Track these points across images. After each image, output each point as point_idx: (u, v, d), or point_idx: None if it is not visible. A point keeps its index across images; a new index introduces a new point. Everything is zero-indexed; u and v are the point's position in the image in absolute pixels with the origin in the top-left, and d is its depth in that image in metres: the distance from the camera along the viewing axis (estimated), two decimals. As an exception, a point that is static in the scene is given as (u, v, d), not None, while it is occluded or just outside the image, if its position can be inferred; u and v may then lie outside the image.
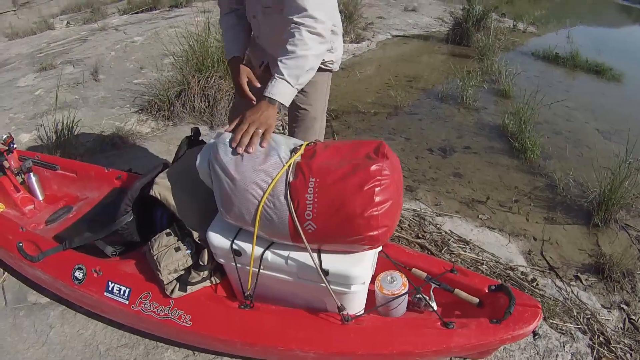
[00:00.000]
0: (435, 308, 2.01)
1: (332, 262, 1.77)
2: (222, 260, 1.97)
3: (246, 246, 1.85)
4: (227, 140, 1.81)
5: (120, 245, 2.37)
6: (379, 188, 1.63)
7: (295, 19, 1.93)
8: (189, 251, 2.04)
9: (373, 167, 1.65)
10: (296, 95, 2.10)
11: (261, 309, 2.01)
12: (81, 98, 4.81)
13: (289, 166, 1.72)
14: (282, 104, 1.97)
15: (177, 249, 2.03)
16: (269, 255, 1.83)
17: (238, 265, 1.93)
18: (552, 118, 5.35)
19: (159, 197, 2.07)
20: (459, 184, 4.18)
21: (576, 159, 4.73)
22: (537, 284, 3.02)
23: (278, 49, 2.04)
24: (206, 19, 4.83)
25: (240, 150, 1.77)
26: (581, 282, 3.13)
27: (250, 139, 1.80)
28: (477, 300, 2.02)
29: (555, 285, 3.04)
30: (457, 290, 2.05)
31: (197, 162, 1.88)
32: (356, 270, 1.77)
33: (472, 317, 1.96)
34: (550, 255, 3.37)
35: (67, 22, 8.06)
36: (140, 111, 4.57)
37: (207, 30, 4.71)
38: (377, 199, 1.63)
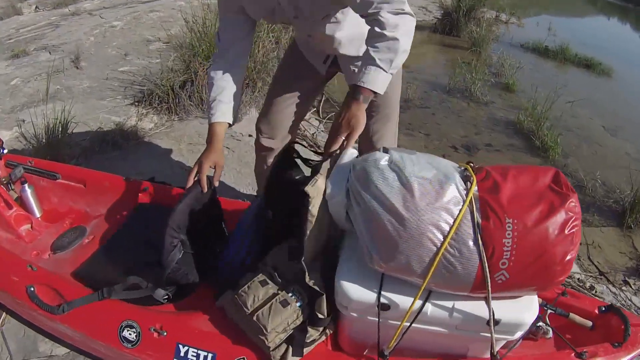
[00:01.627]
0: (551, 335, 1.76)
1: (502, 310, 1.40)
2: (353, 314, 1.48)
3: (398, 298, 1.41)
4: (384, 162, 1.39)
5: (172, 285, 1.74)
6: (577, 228, 1.32)
7: (372, 11, 1.67)
8: (299, 304, 1.52)
9: (569, 204, 1.32)
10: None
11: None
12: (64, 88, 4.00)
13: (470, 201, 1.32)
14: (375, 94, 1.67)
15: (285, 303, 1.50)
16: (428, 307, 1.41)
17: (380, 320, 1.46)
18: (558, 115, 5.01)
19: (309, 206, 1.46)
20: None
21: (592, 157, 4.62)
22: (596, 291, 2.87)
23: (344, 47, 1.97)
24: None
25: None
26: (630, 286, 3.00)
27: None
28: (590, 323, 1.80)
29: (610, 291, 2.91)
30: (572, 315, 1.79)
31: (328, 190, 1.46)
32: (528, 317, 1.44)
33: (583, 341, 1.77)
34: (597, 260, 3.22)
35: (36, 7, 7.13)
36: (137, 103, 3.79)
37: (211, 12, 3.96)
38: (576, 240, 1.32)
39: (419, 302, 1.39)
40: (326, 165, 1.62)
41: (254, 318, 1.46)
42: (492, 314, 1.37)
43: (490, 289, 1.32)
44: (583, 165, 4.30)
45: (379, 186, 1.33)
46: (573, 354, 1.67)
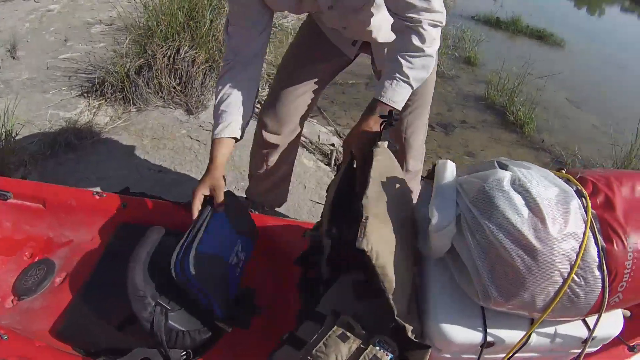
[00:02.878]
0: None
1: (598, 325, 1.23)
2: (447, 355, 1.24)
3: (503, 333, 1.20)
4: (507, 183, 1.10)
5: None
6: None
7: (412, 15, 1.50)
8: (390, 357, 1.15)
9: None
10: None
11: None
12: (1, 82, 3.35)
13: (591, 223, 1.10)
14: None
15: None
16: (533, 337, 1.20)
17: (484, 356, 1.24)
18: (524, 88, 4.80)
19: (372, 260, 1.10)
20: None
21: (563, 131, 4.54)
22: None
23: (383, 34, 1.75)
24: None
25: None
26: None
27: None
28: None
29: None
30: None
31: (434, 220, 1.12)
32: (616, 330, 1.31)
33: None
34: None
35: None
36: (86, 94, 3.22)
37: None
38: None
39: (523, 333, 1.19)
40: (369, 204, 1.19)
41: None
42: (592, 333, 1.22)
43: (604, 312, 1.14)
44: (558, 141, 4.26)
45: (507, 214, 1.05)
46: (626, 348, 1.52)
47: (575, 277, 1.08)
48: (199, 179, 2.55)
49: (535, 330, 1.18)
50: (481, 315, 1.19)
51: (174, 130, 3.00)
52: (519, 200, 1.07)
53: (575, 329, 1.24)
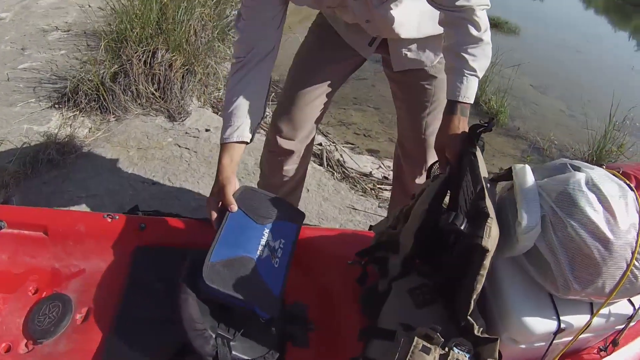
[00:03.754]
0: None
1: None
2: (523, 346, 1.30)
3: (571, 319, 1.29)
4: (584, 184, 1.22)
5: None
6: None
7: (462, 3, 1.42)
8: (468, 356, 1.16)
9: None
10: (436, 78, 1.80)
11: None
12: (-39, 98, 3.03)
13: None
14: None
15: None
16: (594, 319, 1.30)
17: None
18: (492, 77, 4.81)
19: (485, 260, 1.13)
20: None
21: (534, 117, 4.61)
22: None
23: (408, 30, 1.65)
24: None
25: None
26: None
27: None
28: None
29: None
30: None
31: (524, 223, 1.19)
32: None
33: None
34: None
35: None
36: (57, 105, 2.92)
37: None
38: None
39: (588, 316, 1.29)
40: (490, 206, 1.18)
41: None
42: (637, 310, 1.35)
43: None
44: (531, 127, 4.30)
45: (587, 212, 1.17)
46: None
47: (636, 262, 1.18)
48: (195, 189, 2.37)
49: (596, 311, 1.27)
50: (552, 305, 1.27)
51: (159, 139, 2.77)
52: (593, 198, 1.18)
53: (622, 307, 1.34)
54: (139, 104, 2.94)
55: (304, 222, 1.87)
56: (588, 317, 1.28)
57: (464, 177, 1.33)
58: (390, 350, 1.15)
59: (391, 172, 3.21)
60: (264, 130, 3.09)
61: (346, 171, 3.00)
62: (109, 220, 1.53)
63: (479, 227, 1.11)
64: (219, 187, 1.45)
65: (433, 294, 1.35)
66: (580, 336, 1.29)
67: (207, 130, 2.94)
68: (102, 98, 2.85)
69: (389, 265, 1.45)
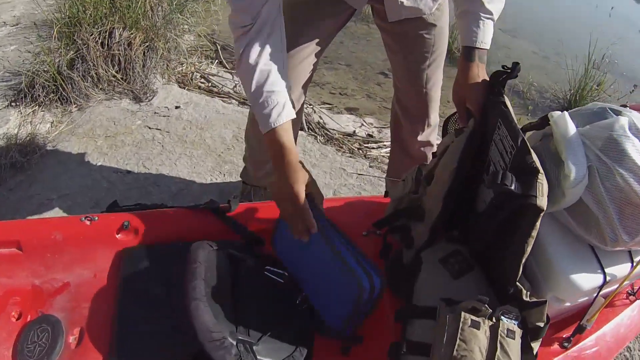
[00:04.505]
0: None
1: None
2: (568, 304, 1.23)
3: (613, 270, 1.20)
4: (629, 125, 1.11)
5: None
6: None
7: None
8: (516, 322, 1.07)
9: None
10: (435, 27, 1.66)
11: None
12: None
13: None
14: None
15: (511, 334, 1.04)
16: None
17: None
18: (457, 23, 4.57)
19: (539, 220, 1.01)
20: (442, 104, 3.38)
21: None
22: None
23: None
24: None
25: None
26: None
27: None
28: None
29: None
30: None
31: (572, 175, 1.06)
32: None
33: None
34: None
35: None
36: (14, 103, 2.61)
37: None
38: None
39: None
40: (537, 159, 1.04)
41: None
42: None
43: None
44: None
45: (635, 157, 1.09)
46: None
47: None
48: (174, 172, 2.16)
49: (635, 260, 1.23)
50: (596, 259, 1.20)
51: (127, 123, 2.53)
52: (637, 142, 1.10)
53: None
54: (101, 88, 2.68)
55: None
56: (628, 265, 1.23)
57: (494, 130, 1.17)
58: (435, 329, 1.06)
59: (375, 129, 3.08)
60: (241, 105, 2.88)
61: (329, 133, 2.84)
62: (88, 222, 1.34)
63: (530, 185, 0.98)
64: (304, 179, 1.23)
65: (469, 261, 1.22)
66: (610, 288, 1.24)
67: (177, 107, 2.72)
68: (60, 88, 2.57)
69: (413, 234, 1.31)
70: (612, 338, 1.39)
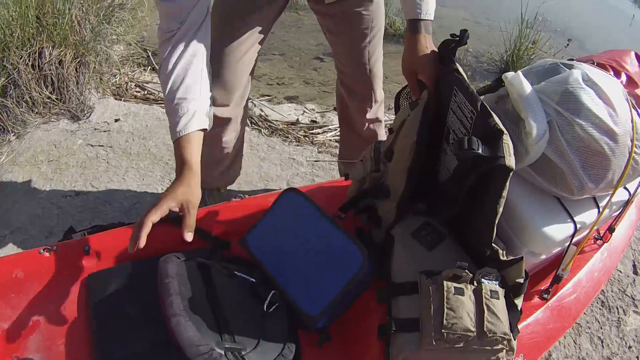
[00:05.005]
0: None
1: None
2: (543, 256, 1.29)
3: (581, 217, 1.25)
4: (582, 78, 1.15)
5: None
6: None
7: None
8: (497, 282, 1.09)
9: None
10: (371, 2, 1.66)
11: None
12: None
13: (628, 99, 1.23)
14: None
15: (495, 295, 1.05)
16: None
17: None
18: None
19: (508, 182, 1.02)
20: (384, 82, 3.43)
21: (440, 31, 4.38)
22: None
23: None
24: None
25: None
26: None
27: None
28: None
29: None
30: None
31: (534, 132, 1.09)
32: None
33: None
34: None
35: None
36: (-56, 138, 2.49)
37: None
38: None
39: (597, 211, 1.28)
40: (499, 122, 1.05)
41: (488, 335, 1.00)
42: (633, 194, 1.35)
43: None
44: (442, 39, 4.01)
45: (592, 108, 1.13)
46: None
47: (636, 149, 1.18)
48: (124, 187, 2.11)
49: (601, 205, 1.27)
50: (564, 209, 1.24)
51: (68, 144, 2.43)
52: (593, 94, 1.14)
53: (621, 195, 1.33)
54: (37, 112, 2.55)
55: (256, 192, 1.70)
56: (595, 211, 1.27)
57: (449, 98, 1.18)
58: (420, 303, 1.06)
59: (317, 115, 3.08)
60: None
61: (272, 124, 2.83)
62: (47, 254, 1.29)
63: (497, 146, 0.99)
64: (186, 198, 1.18)
65: (440, 231, 1.23)
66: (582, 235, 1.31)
67: (116, 120, 2.62)
68: (-7, 117, 2.47)
69: (380, 213, 1.30)
70: (588, 283, 1.44)
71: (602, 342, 1.82)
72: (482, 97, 1.22)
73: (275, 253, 1.29)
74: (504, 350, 1.06)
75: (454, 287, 1.04)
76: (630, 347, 1.82)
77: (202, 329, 1.04)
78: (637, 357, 1.80)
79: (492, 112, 1.05)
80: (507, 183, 1.01)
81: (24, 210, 2.05)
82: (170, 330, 1.01)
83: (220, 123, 1.67)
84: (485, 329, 1.01)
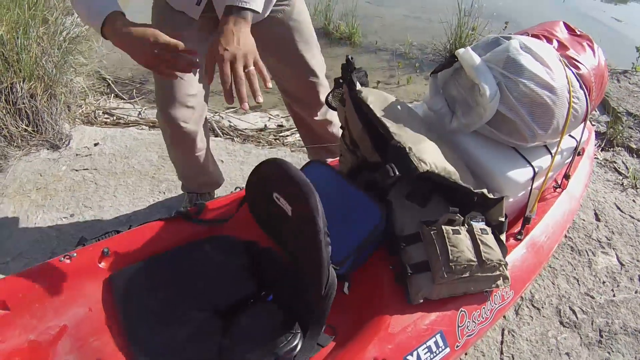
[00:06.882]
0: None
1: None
2: (511, 199, 1.46)
3: (537, 162, 1.46)
4: (519, 46, 1.37)
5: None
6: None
7: None
8: (483, 223, 1.30)
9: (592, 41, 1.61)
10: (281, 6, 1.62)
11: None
12: None
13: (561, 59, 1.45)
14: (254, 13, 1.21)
15: (485, 231, 1.27)
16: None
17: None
18: (330, 4, 4.59)
19: (437, 172, 1.23)
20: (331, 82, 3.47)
21: (383, 29, 4.55)
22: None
23: None
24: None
25: (245, 106, 1.10)
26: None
27: (250, 84, 1.15)
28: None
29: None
30: None
31: (487, 92, 1.30)
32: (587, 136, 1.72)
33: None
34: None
35: None
36: None
37: None
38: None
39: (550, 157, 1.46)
40: (399, 131, 1.29)
41: (487, 263, 1.21)
42: (580, 141, 1.54)
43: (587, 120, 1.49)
44: (386, 38, 4.25)
45: (531, 68, 1.33)
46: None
47: (573, 100, 1.37)
48: (117, 204, 2.11)
49: (552, 151, 1.45)
50: (521, 156, 1.44)
51: (53, 172, 2.42)
52: (530, 57, 1.34)
53: (569, 142, 1.54)
54: (16, 145, 2.53)
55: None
56: (549, 157, 1.46)
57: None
58: (426, 247, 1.24)
59: (282, 119, 3.11)
60: (153, 128, 2.82)
61: (243, 133, 2.87)
62: (68, 261, 1.31)
63: (407, 162, 1.17)
64: (145, 34, 1.17)
65: (427, 192, 1.37)
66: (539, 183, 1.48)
67: (95, 144, 2.62)
68: (-29, 155, 2.42)
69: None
70: (554, 225, 1.57)
71: (577, 281, 1.96)
72: (439, 73, 1.47)
73: None
74: (501, 278, 1.27)
75: (451, 229, 1.22)
76: (604, 282, 1.95)
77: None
78: (612, 289, 1.90)
79: (391, 133, 1.23)
80: (436, 174, 1.21)
81: (22, 238, 2.04)
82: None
83: (189, 138, 1.75)
84: (483, 257, 1.20)
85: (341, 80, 1.39)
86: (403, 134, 1.24)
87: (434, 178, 1.21)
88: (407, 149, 1.17)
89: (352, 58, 1.36)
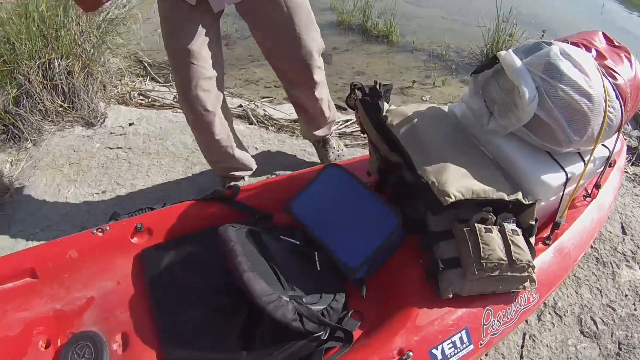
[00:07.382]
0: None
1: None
2: (543, 203, 1.44)
3: (570, 168, 1.42)
4: (560, 52, 1.35)
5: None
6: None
7: None
8: (514, 224, 1.30)
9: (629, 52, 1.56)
10: None
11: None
12: None
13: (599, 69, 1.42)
14: None
15: (515, 233, 1.27)
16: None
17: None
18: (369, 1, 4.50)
19: (465, 197, 1.25)
20: (368, 80, 3.55)
21: (421, 29, 4.37)
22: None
23: None
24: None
25: None
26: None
27: None
28: None
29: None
30: None
31: (527, 95, 1.29)
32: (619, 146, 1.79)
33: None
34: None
35: None
36: (-39, 149, 2.43)
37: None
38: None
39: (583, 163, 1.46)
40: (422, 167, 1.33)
41: (517, 263, 1.22)
42: (612, 151, 1.52)
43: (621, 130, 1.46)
44: (423, 39, 4.13)
45: (570, 74, 1.32)
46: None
47: (609, 108, 1.35)
48: (150, 183, 2.10)
49: (585, 159, 1.45)
50: (555, 161, 1.43)
51: (87, 148, 2.44)
52: (569, 64, 1.34)
53: (601, 152, 1.52)
54: (51, 120, 2.56)
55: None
56: (581, 164, 1.45)
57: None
58: (458, 244, 1.26)
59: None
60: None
61: (277, 122, 2.81)
62: (100, 234, 1.29)
63: (439, 202, 1.21)
64: None
65: None
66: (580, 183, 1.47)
67: (130, 124, 2.64)
68: (11, 127, 2.43)
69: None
70: (582, 232, 1.55)
71: (600, 292, 1.94)
72: (480, 74, 1.47)
73: (317, 216, 1.40)
74: (529, 280, 1.27)
75: (484, 228, 1.25)
76: (626, 295, 1.94)
77: (269, 282, 1.13)
78: (634, 303, 1.87)
79: (414, 165, 1.31)
80: (465, 199, 1.24)
81: (53, 210, 2.07)
82: (242, 284, 1.10)
83: (209, 123, 1.75)
84: (513, 257, 1.22)
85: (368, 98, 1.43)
86: (426, 163, 1.30)
87: (462, 204, 1.23)
88: (430, 183, 1.23)
89: (380, 85, 1.41)
